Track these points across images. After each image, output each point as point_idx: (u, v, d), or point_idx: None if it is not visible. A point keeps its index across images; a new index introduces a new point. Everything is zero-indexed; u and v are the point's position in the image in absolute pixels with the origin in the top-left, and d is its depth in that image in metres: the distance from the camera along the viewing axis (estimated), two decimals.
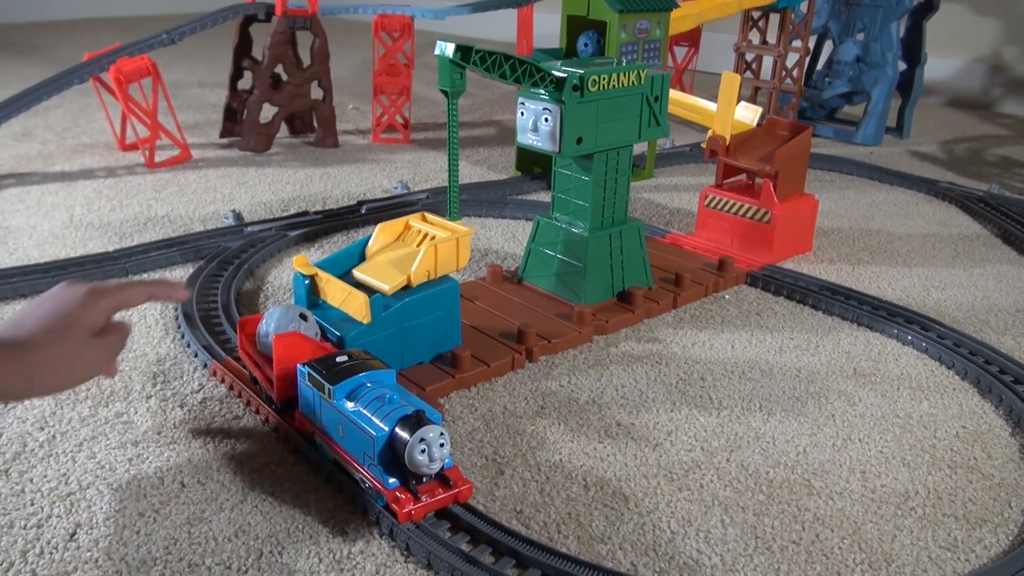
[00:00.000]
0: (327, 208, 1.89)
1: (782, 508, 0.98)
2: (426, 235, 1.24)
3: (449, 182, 1.28)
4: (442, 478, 0.92)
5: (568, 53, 2.15)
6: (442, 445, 0.89)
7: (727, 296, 1.54)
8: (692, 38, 3.03)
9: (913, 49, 2.69)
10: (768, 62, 2.64)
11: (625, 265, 1.46)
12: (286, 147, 2.42)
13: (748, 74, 2.66)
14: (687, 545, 0.91)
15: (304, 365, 0.98)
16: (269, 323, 1.08)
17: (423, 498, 0.90)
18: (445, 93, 1.25)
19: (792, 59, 2.61)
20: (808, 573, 0.88)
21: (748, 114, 1.75)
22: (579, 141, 1.31)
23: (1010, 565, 0.88)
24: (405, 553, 0.89)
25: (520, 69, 1.25)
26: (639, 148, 2.27)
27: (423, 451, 0.88)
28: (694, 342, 1.37)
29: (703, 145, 1.75)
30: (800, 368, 1.29)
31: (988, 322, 1.46)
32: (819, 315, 1.47)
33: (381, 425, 0.89)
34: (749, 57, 2.64)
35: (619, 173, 1.41)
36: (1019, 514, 0.98)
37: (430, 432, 0.88)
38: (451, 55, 1.20)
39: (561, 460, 1.05)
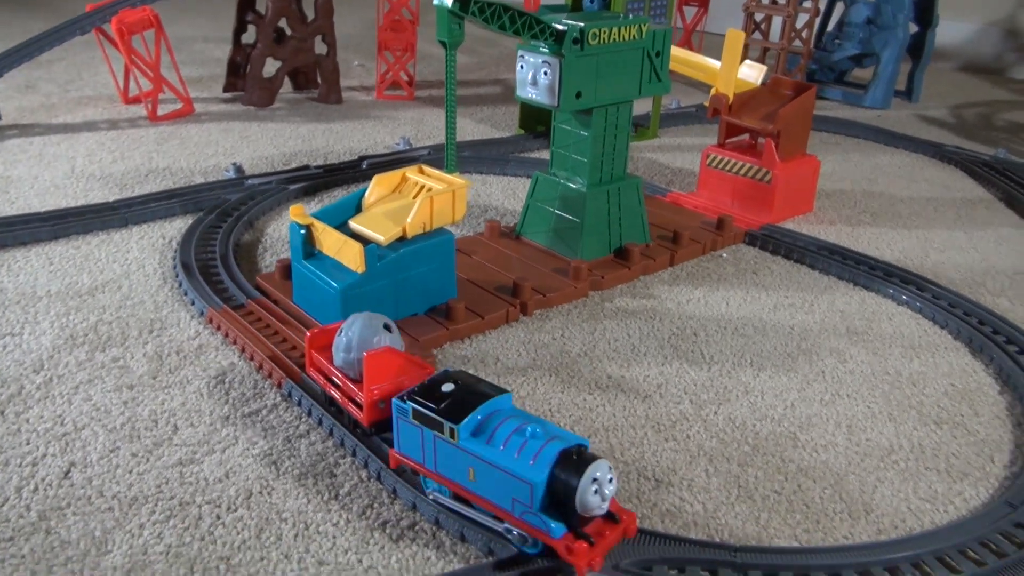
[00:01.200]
0: (328, 163, 1.89)
1: (766, 459, 0.99)
2: (423, 187, 1.24)
3: (447, 135, 1.28)
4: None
5: (574, 8, 2.12)
6: (611, 480, 0.78)
7: (724, 254, 1.54)
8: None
9: (925, 11, 2.66)
10: (777, 22, 2.61)
11: (623, 222, 1.46)
12: (289, 102, 2.42)
13: (757, 34, 2.63)
14: (670, 493, 0.93)
15: (404, 400, 0.85)
16: (351, 336, 0.95)
17: (594, 541, 0.77)
18: (443, 44, 1.24)
19: (802, 20, 2.58)
20: (788, 521, 0.89)
21: (752, 73, 1.74)
22: (578, 95, 1.31)
23: (987, 518, 0.89)
24: (392, 496, 0.90)
25: (520, 21, 1.24)
26: (644, 108, 2.26)
27: (595, 491, 0.77)
28: (689, 299, 1.37)
29: (706, 104, 1.74)
30: (793, 326, 1.30)
31: (985, 284, 1.46)
32: (816, 274, 1.48)
33: (537, 469, 0.77)
34: (758, 17, 2.61)
35: (619, 129, 1.41)
36: (1001, 469, 0.99)
37: (599, 470, 0.77)
38: (449, 5, 1.19)
39: (550, 410, 1.07)
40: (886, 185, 1.95)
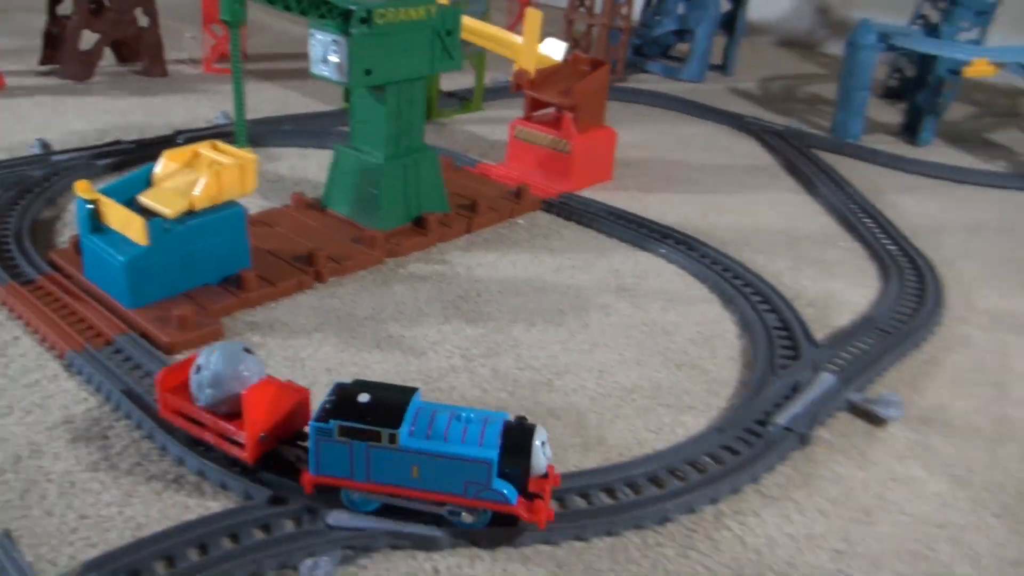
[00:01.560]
0: (143, 138, 1.89)
1: (520, 403, 1.10)
2: (212, 161, 1.29)
3: (236, 111, 1.33)
4: None
5: None
6: (545, 442, 0.87)
7: (521, 221, 1.65)
8: None
9: None
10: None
11: (421, 192, 1.54)
12: (111, 75, 2.38)
13: (582, 10, 2.75)
14: None
15: (326, 421, 0.84)
16: (216, 371, 0.91)
17: (542, 497, 0.86)
18: (227, 23, 1.29)
19: None
20: None
21: (555, 49, 1.84)
22: (368, 73, 1.38)
23: (697, 443, 1.03)
24: (162, 452, 0.97)
25: (305, 1, 1.30)
26: (469, 81, 2.35)
27: (543, 452, 0.86)
28: (480, 263, 1.47)
29: (510, 79, 1.84)
30: (570, 285, 1.42)
31: (749, 242, 1.62)
32: (602, 238, 1.60)
33: (488, 448, 0.84)
34: None
35: (413, 104, 1.48)
36: (723, 402, 1.14)
37: (541, 436, 0.86)
38: None
39: (329, 368, 1.15)
40: (685, 154, 2.10)
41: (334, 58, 1.35)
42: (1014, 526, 0.95)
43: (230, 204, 1.28)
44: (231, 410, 0.91)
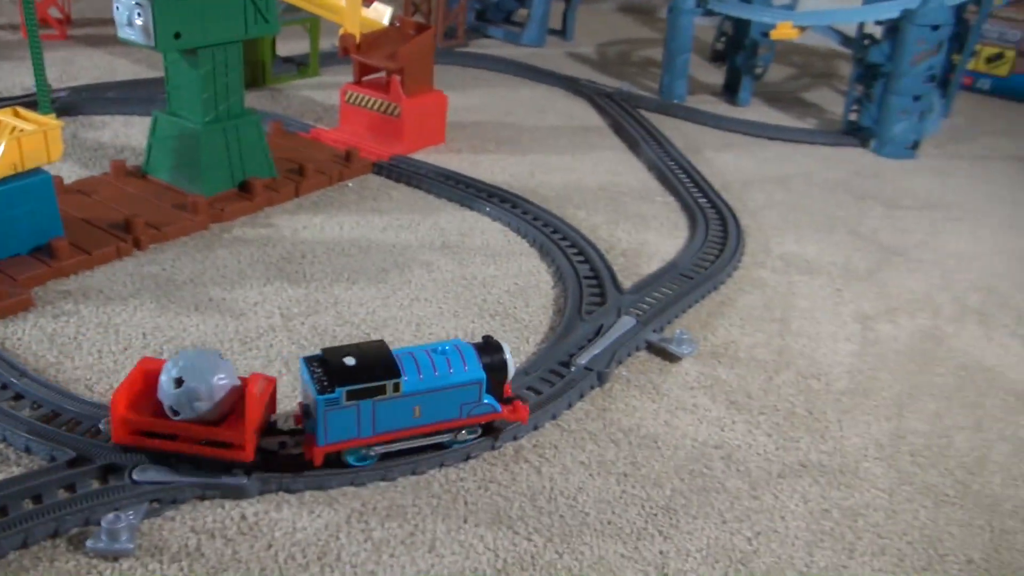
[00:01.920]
0: None
1: None
2: (15, 129, 1.25)
3: (36, 77, 1.29)
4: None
5: None
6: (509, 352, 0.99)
7: (350, 184, 1.67)
8: None
9: None
10: None
11: (244, 157, 1.54)
12: None
13: None
14: None
15: (331, 390, 0.88)
16: (206, 384, 0.88)
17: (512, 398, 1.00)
18: None
19: None
20: None
21: (380, 14, 1.86)
22: (177, 36, 1.36)
23: None
24: None
25: None
26: (306, 46, 2.33)
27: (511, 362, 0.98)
28: (306, 225, 1.49)
29: (335, 44, 1.85)
30: (395, 244, 1.46)
31: (572, 199, 1.70)
32: (430, 198, 1.65)
33: (474, 370, 0.95)
34: None
35: (229, 68, 1.48)
36: (532, 347, 1.21)
37: (506, 346, 0.98)
38: None
39: (144, 333, 1.15)
40: (520, 117, 2.16)
41: (139, 21, 1.33)
42: (781, 443, 1.06)
43: (37, 171, 1.25)
44: (213, 417, 0.89)
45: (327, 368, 0.90)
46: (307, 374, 0.90)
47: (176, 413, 0.89)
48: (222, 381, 0.89)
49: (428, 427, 0.95)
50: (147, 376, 0.92)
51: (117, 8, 1.35)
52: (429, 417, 0.94)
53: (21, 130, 1.23)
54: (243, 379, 0.93)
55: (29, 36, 1.27)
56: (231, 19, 1.44)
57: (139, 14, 1.33)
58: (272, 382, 0.96)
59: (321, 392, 0.88)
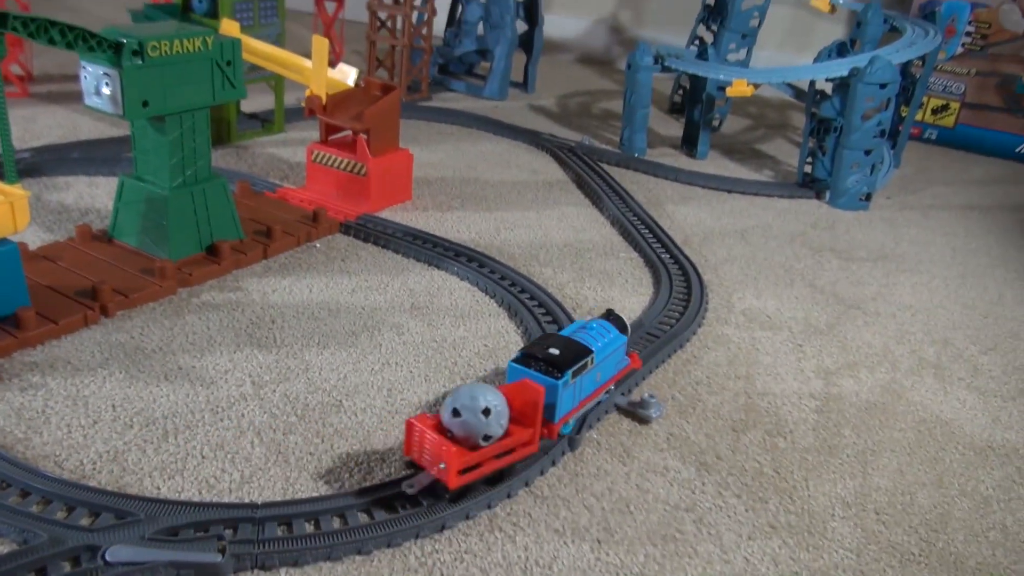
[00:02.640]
0: None
1: (308, 426, 1.14)
2: None
3: (3, 147, 1.29)
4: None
5: (184, 8, 2.16)
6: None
7: (318, 245, 1.68)
8: None
9: (531, 12, 2.98)
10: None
11: (212, 220, 1.54)
12: None
13: (384, 32, 2.80)
14: (213, 466, 1.05)
15: (561, 377, 1.05)
16: (503, 405, 1.02)
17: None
18: None
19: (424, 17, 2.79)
20: (315, 477, 1.05)
21: (346, 74, 1.89)
22: (145, 104, 1.37)
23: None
24: None
25: (71, 35, 1.28)
26: (270, 102, 2.35)
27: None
28: (275, 288, 1.50)
29: (301, 104, 1.87)
30: (365, 306, 1.47)
31: (538, 256, 1.72)
32: (398, 258, 1.66)
33: (617, 335, 1.18)
34: (383, 16, 2.78)
35: (196, 133, 1.49)
36: None
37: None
38: None
39: (113, 405, 1.14)
40: (483, 171, 2.20)
41: (107, 90, 1.34)
42: (751, 504, 1.08)
43: (2, 242, 1.25)
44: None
45: (543, 361, 1.07)
46: (527, 371, 1.07)
47: (488, 438, 1.00)
48: (500, 396, 1.03)
49: (599, 388, 1.17)
50: (434, 430, 1.01)
51: (84, 77, 1.36)
52: (603, 379, 1.17)
53: None
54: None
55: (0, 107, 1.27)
56: (199, 86, 1.45)
57: (107, 83, 1.34)
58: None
59: (553, 380, 1.06)
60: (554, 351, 1.08)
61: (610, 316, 1.22)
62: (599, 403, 1.20)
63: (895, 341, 1.52)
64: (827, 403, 1.31)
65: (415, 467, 1.05)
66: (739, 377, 1.36)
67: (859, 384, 1.37)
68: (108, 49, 1.31)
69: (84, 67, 1.35)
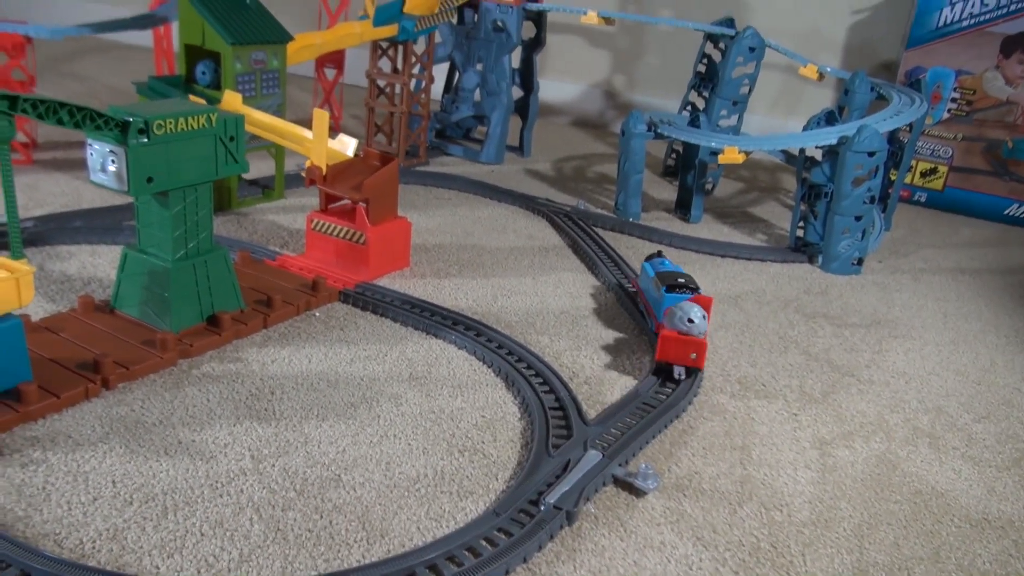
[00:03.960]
0: None
1: (307, 502, 1.14)
2: None
3: (9, 224, 1.31)
4: None
5: (188, 80, 2.21)
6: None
7: (317, 314, 1.70)
8: (337, 60, 3.18)
9: (527, 79, 3.04)
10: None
11: (213, 291, 1.57)
12: None
13: (382, 99, 2.86)
14: (212, 544, 1.05)
15: (678, 292, 1.61)
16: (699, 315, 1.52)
17: None
18: None
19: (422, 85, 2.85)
20: (313, 555, 1.05)
21: (345, 145, 1.93)
22: (150, 180, 1.40)
23: (474, 527, 1.11)
24: None
25: (79, 115, 1.32)
26: (270, 168, 2.39)
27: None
28: (275, 359, 1.51)
29: (302, 174, 1.91)
30: (363, 376, 1.48)
31: (535, 324, 1.74)
32: (396, 327, 1.68)
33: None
34: (382, 83, 2.84)
35: (199, 206, 1.52)
36: (501, 484, 1.23)
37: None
38: None
39: (114, 480, 1.15)
40: (480, 237, 2.23)
41: (112, 167, 1.37)
42: None
43: (6, 317, 1.26)
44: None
45: (685, 287, 1.63)
46: (682, 295, 1.60)
47: (703, 334, 1.52)
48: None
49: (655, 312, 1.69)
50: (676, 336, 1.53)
51: (91, 154, 1.39)
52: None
53: None
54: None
55: (4, 182, 1.30)
56: (202, 162, 1.48)
57: (113, 160, 1.37)
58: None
59: (681, 295, 1.60)
60: (680, 280, 1.64)
61: (659, 255, 1.82)
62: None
63: (889, 410, 1.54)
64: (823, 475, 1.32)
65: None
66: (735, 448, 1.37)
67: (855, 454, 1.38)
68: (115, 128, 1.34)
69: (90, 145, 1.39)
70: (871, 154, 2.07)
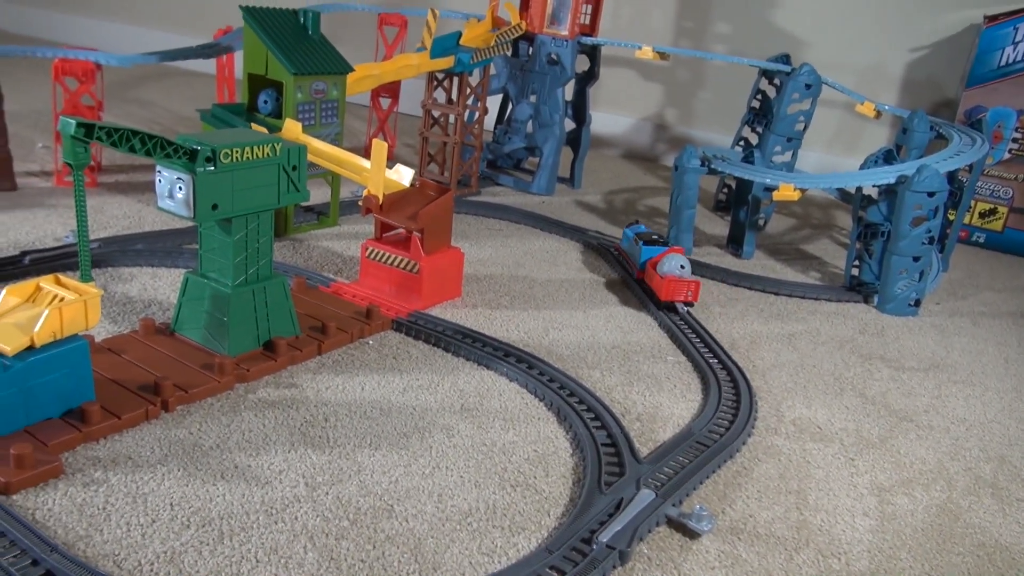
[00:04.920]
0: None
1: (360, 531, 1.15)
2: (56, 297, 1.30)
3: (80, 248, 1.35)
4: None
5: (250, 108, 2.26)
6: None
7: (371, 342, 1.71)
8: (392, 90, 3.23)
9: (579, 111, 3.06)
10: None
11: (271, 317, 1.59)
12: None
13: (436, 129, 2.89)
14: (267, 571, 1.06)
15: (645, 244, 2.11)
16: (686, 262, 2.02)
17: None
18: (69, 165, 1.32)
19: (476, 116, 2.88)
20: None
21: (402, 176, 1.95)
22: (214, 207, 1.44)
23: (527, 564, 1.10)
24: None
25: (150, 143, 1.35)
26: (325, 196, 2.43)
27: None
28: (328, 386, 1.52)
29: (359, 203, 1.93)
30: (416, 406, 1.49)
31: (586, 358, 1.74)
32: (448, 357, 1.69)
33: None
34: (436, 114, 2.88)
35: (260, 234, 1.54)
36: (554, 520, 1.22)
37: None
38: (73, 131, 1.28)
39: (172, 503, 1.17)
40: (531, 269, 2.23)
41: (180, 194, 1.40)
42: None
43: (73, 338, 1.29)
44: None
45: (659, 242, 2.12)
46: (662, 246, 2.08)
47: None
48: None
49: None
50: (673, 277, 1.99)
51: (159, 181, 1.43)
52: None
53: (62, 299, 1.28)
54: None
55: (77, 212, 1.33)
56: (265, 190, 1.51)
57: (180, 187, 1.40)
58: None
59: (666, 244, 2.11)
60: (654, 237, 2.15)
61: (636, 222, 2.28)
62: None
63: (949, 457, 1.50)
64: (882, 523, 1.29)
65: None
66: (791, 492, 1.35)
67: (914, 503, 1.35)
68: (183, 156, 1.38)
69: (160, 172, 1.42)
70: (931, 194, 2.04)
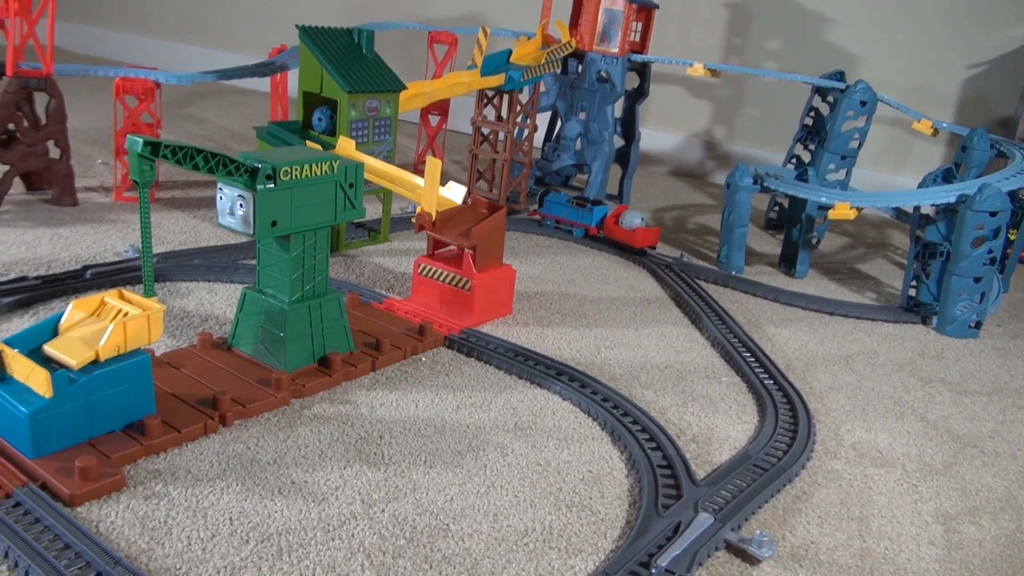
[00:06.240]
0: (49, 273, 1.91)
1: (417, 550, 1.15)
2: (119, 311, 1.33)
3: (143, 263, 1.37)
4: None
5: (304, 125, 2.29)
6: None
7: (423, 358, 1.72)
8: (442, 108, 3.25)
9: (628, 129, 3.05)
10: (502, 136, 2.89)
11: (326, 333, 1.60)
12: (20, 205, 2.39)
13: (485, 146, 2.90)
14: None
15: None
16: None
17: None
18: (136, 183, 1.35)
19: (525, 133, 2.89)
20: None
21: (455, 193, 1.96)
22: (273, 224, 1.45)
23: None
24: None
25: (213, 161, 1.38)
26: (376, 213, 2.45)
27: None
28: (383, 402, 1.53)
29: (412, 220, 1.94)
30: (469, 424, 1.48)
31: (639, 378, 1.72)
32: (500, 374, 1.68)
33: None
34: (486, 131, 2.89)
35: (317, 250, 1.56)
36: (610, 543, 1.21)
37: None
38: (140, 150, 1.30)
39: (231, 518, 1.17)
40: (581, 287, 2.23)
41: (240, 211, 1.42)
42: None
43: (136, 352, 1.32)
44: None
45: (590, 203, 2.52)
46: (605, 205, 2.51)
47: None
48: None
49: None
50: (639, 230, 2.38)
51: (220, 198, 1.45)
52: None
53: (126, 314, 1.31)
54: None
55: (142, 230, 1.36)
56: (323, 207, 1.53)
57: (241, 204, 1.42)
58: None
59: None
60: (594, 199, 2.54)
61: (555, 190, 2.55)
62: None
63: (1018, 485, 1.46)
64: (949, 552, 1.25)
65: None
66: (852, 518, 1.32)
67: (982, 532, 1.31)
68: (244, 173, 1.40)
69: (221, 189, 1.44)
70: (993, 214, 1.99)
